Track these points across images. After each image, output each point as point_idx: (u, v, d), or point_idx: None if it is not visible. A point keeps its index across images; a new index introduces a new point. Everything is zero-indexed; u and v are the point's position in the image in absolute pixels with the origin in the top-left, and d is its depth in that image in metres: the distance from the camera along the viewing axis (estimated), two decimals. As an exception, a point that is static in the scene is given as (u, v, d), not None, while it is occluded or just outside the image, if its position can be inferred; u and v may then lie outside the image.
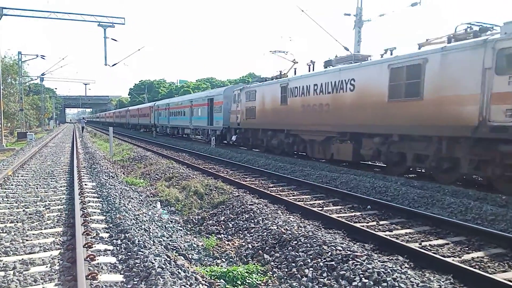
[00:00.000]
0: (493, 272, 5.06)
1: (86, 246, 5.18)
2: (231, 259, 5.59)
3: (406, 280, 4.09)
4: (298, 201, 9.23)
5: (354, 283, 4.26)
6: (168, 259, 4.76)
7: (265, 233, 6.23)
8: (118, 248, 5.28)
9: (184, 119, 34.75)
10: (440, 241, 6.34)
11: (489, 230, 6.59)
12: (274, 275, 4.90)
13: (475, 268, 5.07)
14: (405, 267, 4.75)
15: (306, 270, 4.77)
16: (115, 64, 31.21)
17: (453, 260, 5.29)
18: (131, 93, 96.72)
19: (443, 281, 4.37)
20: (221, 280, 4.65)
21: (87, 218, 6.56)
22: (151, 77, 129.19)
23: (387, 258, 5.04)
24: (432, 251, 5.71)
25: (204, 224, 7.49)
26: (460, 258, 5.56)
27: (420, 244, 6.15)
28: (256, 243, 5.98)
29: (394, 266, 4.52)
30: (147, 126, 51.18)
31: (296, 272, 4.79)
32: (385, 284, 4.06)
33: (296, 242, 5.63)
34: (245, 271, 4.89)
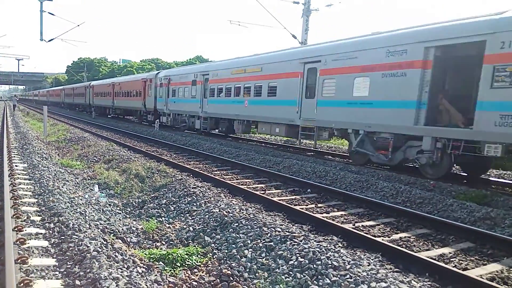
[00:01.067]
0: (418, 250, 5.48)
1: (16, 229, 4.89)
2: (171, 242, 5.55)
3: (338, 259, 4.32)
4: (241, 184, 9.33)
5: (290, 262, 4.42)
6: (105, 243, 4.63)
7: (207, 216, 6.25)
8: (50, 231, 5.05)
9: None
10: (372, 222, 6.74)
11: (416, 212, 7.11)
12: (214, 256, 4.95)
13: (402, 247, 5.46)
14: (339, 246, 5.01)
15: (246, 251, 4.87)
16: (51, 39, 29.31)
17: (382, 239, 5.65)
18: (69, 71, 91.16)
19: (372, 259, 4.67)
20: (160, 262, 4.62)
21: (17, 201, 6.18)
22: (91, 55, 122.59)
23: (323, 238, 5.27)
24: (364, 232, 6.06)
25: (145, 207, 7.36)
26: (389, 237, 5.96)
27: (354, 225, 6.50)
28: (198, 226, 5.99)
29: (328, 245, 4.76)
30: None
31: (236, 253, 4.87)
32: (319, 262, 4.26)
33: (237, 224, 5.72)
34: (185, 253, 4.89)
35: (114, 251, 4.42)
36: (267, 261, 4.56)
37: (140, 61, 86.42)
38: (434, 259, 4.98)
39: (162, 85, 26.41)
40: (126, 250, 4.64)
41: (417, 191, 8.62)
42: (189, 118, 23.59)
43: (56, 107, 61.98)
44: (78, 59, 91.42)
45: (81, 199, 6.90)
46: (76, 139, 16.60)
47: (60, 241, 4.70)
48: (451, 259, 5.21)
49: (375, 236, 5.84)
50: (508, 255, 5.36)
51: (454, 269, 4.61)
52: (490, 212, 7.04)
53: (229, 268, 4.45)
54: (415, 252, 5.27)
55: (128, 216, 6.92)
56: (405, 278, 4.02)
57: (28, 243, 4.55)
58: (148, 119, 29.71)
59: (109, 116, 41.30)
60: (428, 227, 6.51)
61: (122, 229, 5.81)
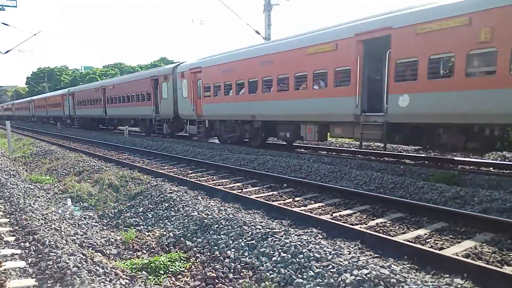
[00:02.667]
0: (395, 234, 5.66)
1: (-12, 253, 4.72)
2: (152, 250, 5.51)
3: (320, 250, 4.41)
4: (218, 185, 9.33)
5: (274, 258, 4.48)
6: (84, 257, 4.54)
7: (186, 220, 6.23)
8: (27, 251, 4.90)
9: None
10: (349, 211, 6.90)
11: (390, 197, 7.33)
12: (197, 260, 4.95)
13: (379, 232, 5.63)
14: (319, 238, 5.11)
15: (229, 252, 4.90)
16: (8, 51, 28.29)
17: (360, 227, 5.80)
18: (29, 82, 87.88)
19: (352, 247, 4.80)
20: (143, 272, 4.58)
21: (-14, 223, 5.95)
22: (51, 64, 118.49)
23: (303, 232, 5.37)
24: (342, 221, 6.21)
25: (122, 217, 7.24)
26: (367, 224, 6.13)
27: (332, 215, 6.63)
28: (178, 231, 5.96)
29: (309, 238, 4.85)
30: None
31: (219, 255, 4.89)
32: (301, 255, 4.34)
33: (217, 225, 5.73)
34: (168, 259, 4.86)
35: (94, 265, 4.34)
36: (251, 260, 4.60)
37: (103, 67, 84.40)
38: (411, 242, 5.16)
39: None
40: (107, 263, 4.56)
41: (389, 176, 8.88)
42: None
43: (25, 122, 59.34)
44: (38, 69, 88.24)
45: (54, 215, 6.70)
46: (43, 153, 16.08)
47: (37, 260, 4.57)
48: (427, 240, 5.41)
49: (352, 225, 5.98)
50: (479, 231, 5.62)
51: (431, 249, 4.80)
52: (459, 191, 7.34)
53: (214, 271, 4.46)
54: (392, 236, 5.45)
55: (105, 227, 6.80)
56: (385, 263, 4.15)
57: (5, 265, 4.40)
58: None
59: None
60: (402, 211, 6.73)
61: (101, 241, 5.71)
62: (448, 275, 4.11)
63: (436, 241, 5.37)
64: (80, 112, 36.16)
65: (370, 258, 4.35)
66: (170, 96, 20.82)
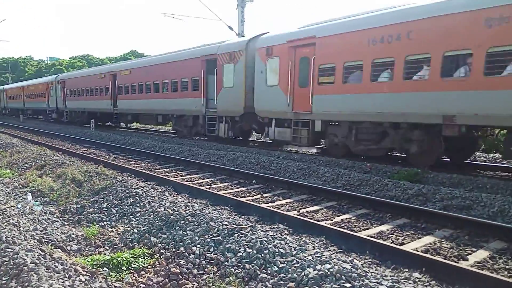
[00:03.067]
0: (359, 230, 5.77)
1: None
2: (115, 246, 5.37)
3: (285, 246, 4.43)
4: (186, 181, 9.23)
5: (239, 254, 4.47)
6: (43, 253, 4.37)
7: (151, 216, 6.11)
8: (-20, 247, 4.67)
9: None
10: (316, 207, 6.98)
11: (356, 194, 7.48)
12: (162, 256, 4.87)
13: (343, 228, 5.72)
14: (285, 233, 5.15)
15: (194, 248, 4.84)
16: (-33, 38, 26.78)
17: (325, 223, 5.89)
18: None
19: (316, 243, 4.87)
20: (104, 268, 4.46)
21: None
22: (15, 54, 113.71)
23: (269, 227, 5.39)
24: (308, 217, 6.27)
25: (84, 212, 7.02)
26: (332, 220, 6.22)
27: (299, 211, 6.69)
28: (143, 227, 5.84)
29: (275, 234, 4.86)
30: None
31: (184, 251, 4.83)
32: (266, 251, 4.35)
33: (183, 221, 5.65)
34: (131, 256, 4.75)
35: (53, 261, 4.18)
36: (216, 255, 4.57)
37: (70, 58, 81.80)
38: (374, 237, 5.28)
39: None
40: (66, 259, 4.42)
41: (355, 174, 9.06)
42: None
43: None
44: (1, 59, 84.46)
45: (13, 210, 6.42)
46: (3, 145, 15.41)
47: (-9, 256, 4.36)
48: (389, 236, 5.55)
49: (318, 221, 6.06)
50: (439, 227, 5.82)
51: (392, 244, 4.93)
52: (422, 188, 7.58)
53: (178, 267, 4.40)
54: (356, 232, 5.55)
55: (66, 223, 6.58)
56: (347, 258, 4.22)
57: (-45, 262, 4.17)
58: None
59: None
60: (367, 207, 6.88)
61: (61, 237, 5.52)
62: (407, 270, 4.23)
63: (398, 237, 5.51)
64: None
65: (334, 253, 4.42)
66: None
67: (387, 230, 5.79)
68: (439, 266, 4.22)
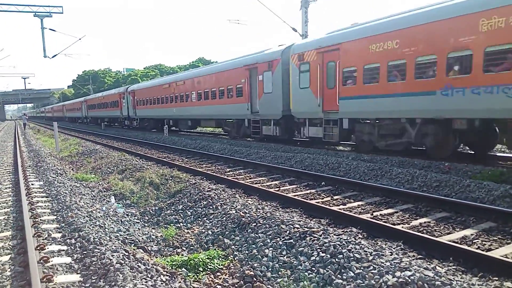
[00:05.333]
0: (439, 235, 5.42)
1: (38, 248, 4.96)
2: (191, 247, 5.58)
3: (360, 250, 4.29)
4: (255, 183, 9.33)
5: (312, 258, 4.41)
6: (127, 254, 4.67)
7: (224, 218, 6.27)
8: (72, 247, 5.11)
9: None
10: (390, 210, 6.69)
11: (434, 196, 7.04)
12: (236, 258, 4.96)
13: (422, 232, 5.41)
14: (359, 237, 4.97)
15: (266, 250, 4.87)
16: (55, 55, 29.90)
17: (402, 227, 5.61)
18: (75, 84, 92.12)
19: (394, 248, 4.64)
20: (183, 269, 4.64)
21: (37, 219, 6.27)
22: (95, 67, 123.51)
23: (342, 231, 5.25)
24: (383, 220, 6.02)
25: (162, 214, 7.40)
26: (409, 224, 5.91)
27: (372, 214, 6.45)
28: (216, 229, 6.01)
29: (348, 238, 4.73)
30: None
31: (257, 253, 4.88)
32: (341, 256, 4.24)
33: (255, 224, 5.72)
34: (206, 257, 4.91)
35: (136, 262, 4.45)
36: (289, 259, 4.56)
37: (144, 68, 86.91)
38: (457, 243, 4.93)
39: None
40: (148, 260, 4.67)
41: (432, 174, 8.54)
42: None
43: (68, 123, 61.17)
44: (83, 72, 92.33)
45: (99, 212, 6.97)
46: (88, 152, 16.78)
47: (82, 256, 4.75)
48: (473, 241, 5.15)
49: (394, 224, 5.79)
50: (531, 232, 5.28)
51: (478, 251, 4.57)
52: (509, 189, 6.93)
53: (252, 269, 4.46)
54: (437, 237, 5.22)
55: (146, 224, 6.98)
56: (429, 265, 3.98)
57: (52, 261, 4.61)
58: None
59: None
60: (447, 210, 6.45)
61: (142, 238, 5.86)
62: (497, 278, 3.88)
63: (484, 242, 5.09)
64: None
65: (414, 260, 4.18)
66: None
67: (472, 235, 5.37)
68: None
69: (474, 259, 4.32)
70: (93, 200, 8.24)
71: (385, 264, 3.92)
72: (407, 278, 3.55)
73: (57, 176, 10.66)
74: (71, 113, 64.22)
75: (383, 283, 3.59)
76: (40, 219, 6.37)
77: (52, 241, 5.38)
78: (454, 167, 9.32)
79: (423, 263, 4.07)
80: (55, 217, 6.62)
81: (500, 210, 5.96)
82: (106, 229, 5.91)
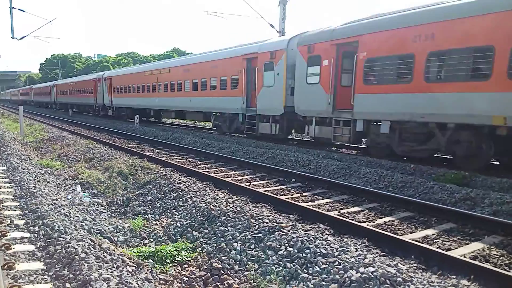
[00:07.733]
0: (402, 234, 5.61)
1: (0, 235, 4.79)
2: (159, 239, 5.55)
3: (326, 246, 4.40)
4: (226, 177, 9.34)
5: (280, 252, 4.48)
6: (92, 244, 4.59)
7: (194, 211, 6.25)
8: (36, 235, 4.97)
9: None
10: (357, 208, 6.86)
11: (399, 196, 7.27)
12: (204, 251, 4.97)
13: (386, 231, 5.59)
14: (326, 234, 5.09)
15: (235, 244, 4.91)
16: (23, 37, 28.66)
17: (367, 225, 5.77)
18: (43, 68, 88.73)
19: (359, 245, 4.77)
20: (150, 260, 4.61)
21: (-2, 206, 6.05)
22: (64, 51, 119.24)
23: (310, 227, 5.35)
24: (350, 218, 6.17)
25: (130, 205, 7.30)
26: (374, 222, 6.09)
27: (339, 212, 6.60)
28: (185, 221, 5.99)
29: (316, 233, 4.83)
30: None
31: (225, 246, 4.91)
32: (308, 251, 4.34)
33: (224, 217, 5.74)
34: (174, 249, 4.90)
35: (102, 252, 4.38)
36: (257, 253, 4.61)
37: (116, 55, 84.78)
38: (419, 241, 5.12)
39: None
40: (114, 250, 4.61)
41: (398, 175, 8.80)
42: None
43: (35, 107, 58.88)
44: (52, 55, 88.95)
45: (64, 200, 6.79)
46: (54, 138, 16.27)
47: (46, 244, 4.63)
48: (434, 240, 5.36)
49: (360, 222, 5.95)
50: (488, 233, 5.55)
51: (438, 250, 4.76)
52: (469, 192, 7.25)
53: (219, 262, 4.48)
54: (400, 235, 5.41)
55: (113, 215, 6.86)
56: (391, 262, 4.12)
57: (14, 248, 4.47)
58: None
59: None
60: (411, 210, 6.67)
61: (109, 228, 5.76)
62: (454, 276, 4.07)
63: (444, 242, 5.32)
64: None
65: (377, 256, 4.32)
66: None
67: (433, 234, 5.59)
68: (489, 274, 4.03)
69: (435, 258, 4.50)
70: (58, 188, 8.01)
71: (349, 260, 4.04)
72: (370, 274, 3.68)
73: (21, 161, 10.28)
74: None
75: (347, 278, 3.70)
76: (2, 205, 6.14)
77: (15, 228, 5.21)
78: (419, 169, 9.64)
79: (386, 260, 4.22)
80: (18, 203, 6.40)
81: (461, 212, 6.23)
82: (72, 218, 5.77)
